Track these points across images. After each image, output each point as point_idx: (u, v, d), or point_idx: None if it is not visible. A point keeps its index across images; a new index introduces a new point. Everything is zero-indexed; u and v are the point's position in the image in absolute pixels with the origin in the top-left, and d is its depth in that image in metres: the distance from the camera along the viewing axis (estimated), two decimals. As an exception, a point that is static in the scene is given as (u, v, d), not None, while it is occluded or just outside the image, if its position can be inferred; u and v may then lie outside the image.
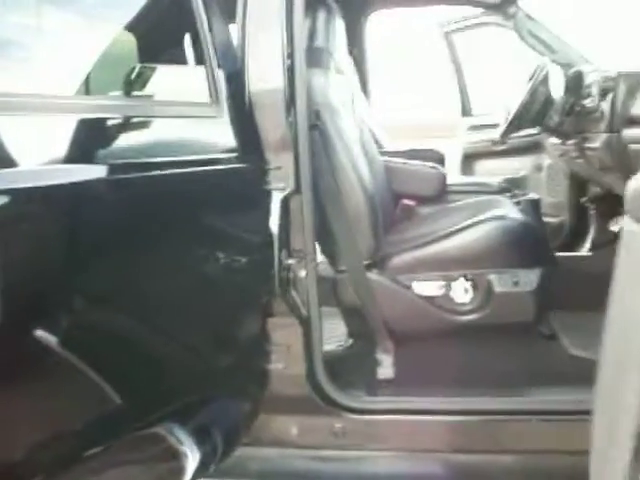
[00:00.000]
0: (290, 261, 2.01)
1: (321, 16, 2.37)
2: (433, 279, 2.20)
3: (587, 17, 3.98)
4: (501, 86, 4.46)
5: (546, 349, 2.22)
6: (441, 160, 3.25)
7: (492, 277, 2.18)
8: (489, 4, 3.46)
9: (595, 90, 2.72)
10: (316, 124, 2.09)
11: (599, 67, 2.86)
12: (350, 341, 2.36)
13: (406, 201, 2.74)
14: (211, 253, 1.83)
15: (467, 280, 2.18)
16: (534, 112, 3.05)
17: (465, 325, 2.19)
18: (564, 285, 2.34)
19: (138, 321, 1.62)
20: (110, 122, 1.69)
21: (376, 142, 3.10)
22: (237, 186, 1.95)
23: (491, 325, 2.18)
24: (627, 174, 2.50)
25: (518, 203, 2.71)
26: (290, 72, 1.99)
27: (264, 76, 1.98)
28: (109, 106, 1.73)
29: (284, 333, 2.03)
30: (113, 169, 1.55)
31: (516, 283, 2.16)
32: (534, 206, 2.67)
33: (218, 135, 1.98)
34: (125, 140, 1.73)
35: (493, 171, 4.11)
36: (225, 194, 1.89)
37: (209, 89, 1.92)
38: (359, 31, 3.70)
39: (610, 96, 2.54)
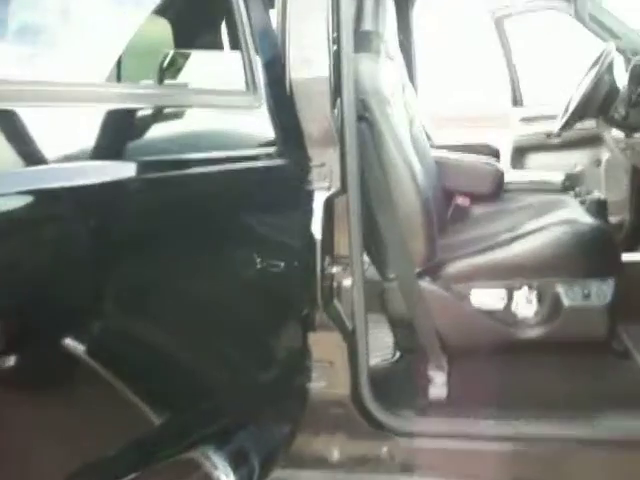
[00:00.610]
0: (334, 269, 1.78)
1: (370, -3, 2.12)
2: (493, 289, 1.94)
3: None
4: (555, 76, 4.18)
5: (619, 369, 1.95)
6: (496, 155, 2.98)
7: (560, 288, 1.91)
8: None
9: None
10: (364, 115, 1.85)
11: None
12: (397, 355, 2.11)
13: (460, 200, 2.48)
14: (248, 260, 1.63)
15: (531, 291, 1.92)
16: (598, 102, 2.76)
17: (528, 341, 1.93)
18: (633, 294, 2.07)
19: (172, 334, 1.46)
20: (140, 113, 1.51)
21: (426, 135, 2.85)
22: (276, 185, 1.73)
23: (558, 342, 1.91)
24: None
25: (583, 203, 2.43)
26: (336, 58, 1.76)
27: (307, 62, 1.74)
28: (137, 95, 1.54)
29: (327, 348, 1.81)
30: (145, 167, 1.38)
31: (587, 296, 1.89)
32: (600, 207, 2.40)
33: (256, 128, 1.76)
34: (156, 133, 1.55)
35: (547, 165, 3.83)
36: (263, 194, 1.68)
37: (245, 76, 1.70)
38: (405, 16, 3.43)
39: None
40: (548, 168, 3.82)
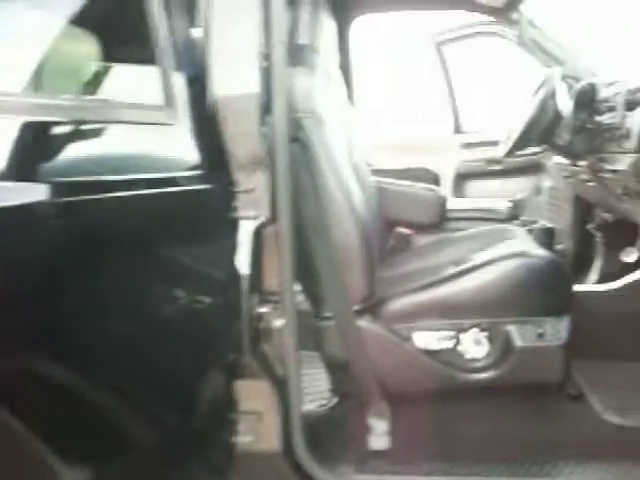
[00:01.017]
0: (263, 308, 1.57)
1: (306, 9, 1.93)
2: (439, 329, 1.75)
3: (591, 26, 3.60)
4: (496, 102, 4.08)
5: (574, 414, 1.78)
6: (435, 180, 2.81)
7: (512, 328, 1.73)
8: (490, 8, 3.04)
9: (620, 105, 2.31)
10: (297, 136, 1.65)
11: (620, 79, 2.45)
12: (334, 401, 1.89)
13: (401, 229, 2.30)
14: (166, 298, 1.41)
15: (481, 331, 1.73)
16: (542, 128, 2.64)
17: (477, 385, 1.74)
18: (584, 329, 1.91)
19: (77, 379, 1.24)
20: (50, 128, 1.31)
21: (365, 160, 2.68)
22: (198, 212, 1.51)
23: (509, 386, 1.73)
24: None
25: (530, 232, 2.28)
26: (267, 73, 1.56)
27: (232, 78, 1.54)
28: (44, 106, 1.33)
29: (255, 398, 1.58)
30: (56, 190, 1.18)
31: (541, 335, 1.72)
32: (548, 236, 2.25)
33: (175, 148, 1.54)
34: (68, 152, 1.34)
35: (488, 193, 3.70)
36: (183, 222, 1.46)
37: (163, 91, 1.48)
38: (343, 36, 3.27)
39: (638, 111, 2.13)
40: (490, 195, 3.70)
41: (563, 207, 3.38)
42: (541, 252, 1.81)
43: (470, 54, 3.81)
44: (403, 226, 2.29)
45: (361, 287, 1.73)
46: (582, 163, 2.72)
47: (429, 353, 1.74)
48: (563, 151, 2.75)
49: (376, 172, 2.61)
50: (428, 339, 1.74)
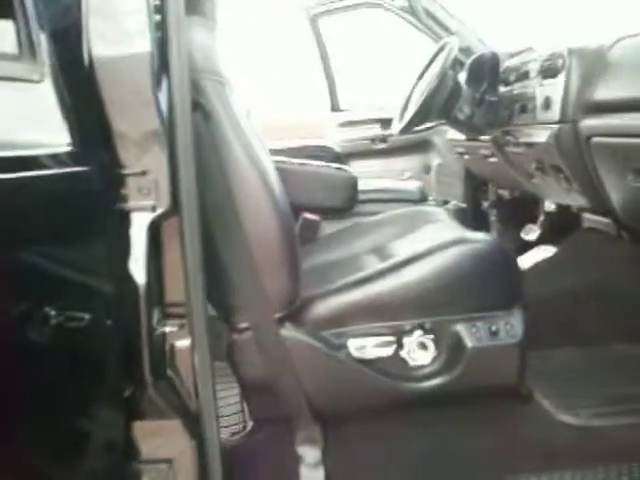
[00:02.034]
0: (166, 326, 1.19)
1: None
2: (376, 333, 1.42)
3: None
4: (378, 78, 3.82)
5: (528, 418, 1.52)
6: (339, 159, 2.48)
7: (461, 327, 1.43)
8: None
9: (535, 72, 2.08)
10: (198, 101, 1.26)
11: (530, 46, 2.23)
12: (251, 425, 1.52)
13: (308, 215, 1.95)
14: (32, 317, 0.99)
15: (425, 333, 1.43)
16: (441, 102, 2.38)
17: (424, 395, 1.42)
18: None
19: None
20: None
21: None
22: (71, 203, 1.09)
23: (461, 393, 1.43)
24: (584, 172, 1.91)
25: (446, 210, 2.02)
26: (160, 26, 1.17)
27: (115, 34, 1.14)
28: None
29: (162, 442, 1.19)
30: None
31: (495, 333, 1.44)
32: (464, 216, 2.00)
33: (36, 119, 1.11)
34: None
35: (373, 173, 3.43)
36: (51, 216, 1.04)
37: (17, 36, 1.05)
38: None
39: (560, 79, 1.90)
40: (374, 176, 3.44)
41: (453, 185, 3.18)
42: (481, 236, 1.52)
43: (351, 27, 3.52)
44: (309, 212, 1.94)
45: (284, 290, 1.36)
46: (485, 138, 2.50)
47: (367, 362, 1.41)
48: (464, 126, 2.51)
49: (273, 151, 2.25)
50: (364, 346, 1.41)
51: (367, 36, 3.67)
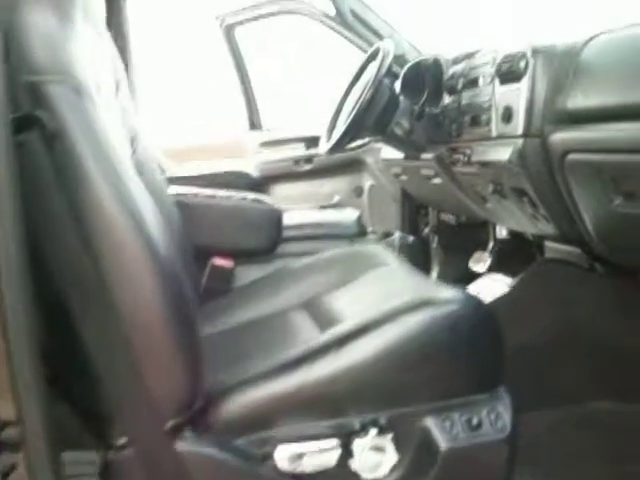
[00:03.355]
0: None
1: None
2: (314, 436, 0.99)
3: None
4: (303, 94, 3.41)
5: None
6: (257, 186, 2.03)
7: (430, 420, 1.01)
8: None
9: (489, 78, 1.70)
10: (37, 116, 0.81)
11: (477, 48, 1.86)
12: None
13: (219, 260, 1.49)
14: None
15: (381, 431, 1.00)
16: (375, 115, 1.99)
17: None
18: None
19: None
20: None
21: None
22: None
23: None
24: (555, 196, 1.53)
25: (390, 247, 1.62)
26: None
27: None
28: None
29: None
30: None
31: (477, 426, 1.03)
32: (416, 252, 1.61)
33: None
34: None
35: (297, 197, 3.02)
36: None
37: None
38: (117, 7, 2.40)
39: (524, 84, 1.53)
40: (299, 200, 3.02)
41: (388, 209, 2.79)
42: (453, 295, 1.10)
43: (271, 37, 3.10)
44: (221, 255, 1.49)
45: (178, 388, 0.91)
46: (426, 156, 2.12)
47: (302, 478, 0.98)
48: (403, 143, 2.13)
49: (173, 181, 1.78)
50: (298, 455, 0.97)
51: (292, 45, 3.26)
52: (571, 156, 1.43)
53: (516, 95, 1.56)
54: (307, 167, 2.99)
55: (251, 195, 1.53)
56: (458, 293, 1.08)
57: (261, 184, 1.97)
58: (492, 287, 2.30)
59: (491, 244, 2.27)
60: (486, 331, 1.06)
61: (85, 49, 0.98)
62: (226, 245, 1.50)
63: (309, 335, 1.13)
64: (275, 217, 1.54)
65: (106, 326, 0.86)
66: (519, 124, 1.54)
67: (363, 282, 1.32)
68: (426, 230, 2.59)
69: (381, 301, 1.11)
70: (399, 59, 2.47)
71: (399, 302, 1.05)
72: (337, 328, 1.06)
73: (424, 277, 1.28)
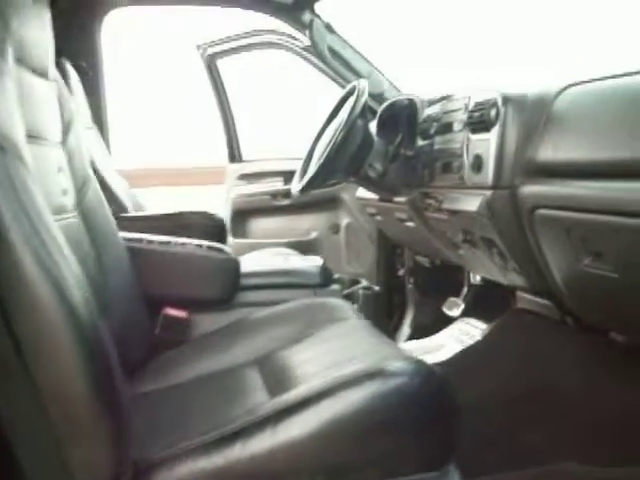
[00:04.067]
0: None
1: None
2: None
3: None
4: (282, 124, 3.36)
5: None
6: (221, 228, 1.95)
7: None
8: (276, 6, 2.29)
9: (459, 124, 1.65)
10: None
11: (453, 92, 1.80)
12: None
13: (171, 311, 1.41)
14: None
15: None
16: (348, 157, 1.93)
17: None
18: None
19: None
20: None
21: (115, 202, 1.78)
22: None
23: None
24: (524, 250, 1.48)
25: (354, 300, 1.54)
26: None
27: None
28: None
29: None
30: None
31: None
32: (379, 302, 1.54)
33: None
34: None
35: (274, 232, 2.96)
36: None
37: None
38: (91, 37, 2.35)
39: (493, 133, 1.48)
40: (276, 235, 2.96)
41: (365, 247, 2.73)
42: (405, 365, 1.02)
43: (251, 68, 3.06)
44: (175, 306, 1.41)
45: (100, 462, 0.84)
46: (400, 199, 2.06)
47: None
48: (376, 185, 2.07)
49: (129, 221, 1.71)
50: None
51: (273, 77, 3.21)
52: (540, 211, 1.37)
53: (486, 144, 1.51)
54: (285, 202, 2.93)
55: (206, 243, 1.46)
56: (408, 363, 1.00)
57: (223, 228, 1.89)
58: (463, 334, 2.24)
59: (465, 289, 2.21)
60: (437, 406, 0.99)
61: (12, 97, 0.91)
62: (180, 294, 1.42)
63: (255, 400, 1.06)
64: (232, 266, 1.46)
65: (23, 396, 0.79)
66: (489, 174, 1.49)
67: (319, 339, 1.25)
68: (402, 271, 2.53)
69: (331, 366, 1.04)
70: (378, 97, 2.43)
71: (346, 372, 0.98)
72: (281, 397, 0.99)
73: (380, 337, 1.21)
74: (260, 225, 3.07)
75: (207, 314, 1.43)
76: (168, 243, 1.41)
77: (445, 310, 2.28)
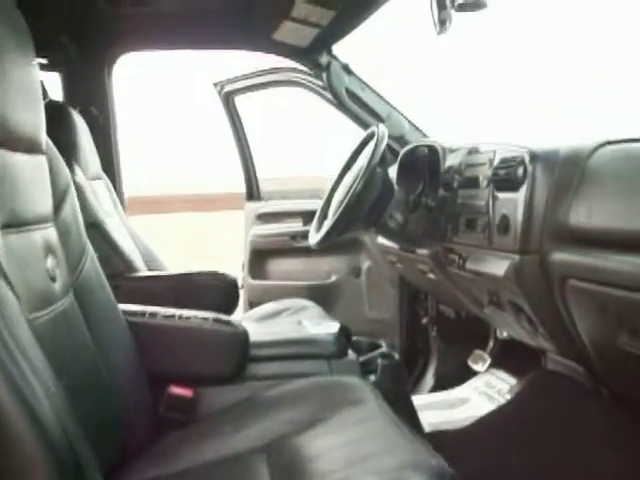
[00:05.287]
0: None
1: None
2: None
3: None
4: (301, 161, 3.29)
5: None
6: (234, 288, 1.84)
7: None
8: (292, 49, 2.22)
9: (484, 181, 1.55)
10: None
11: (480, 142, 1.70)
12: None
13: (175, 389, 1.31)
14: None
15: None
16: (367, 207, 1.83)
17: None
18: None
19: None
20: None
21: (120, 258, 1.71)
22: None
23: None
24: (555, 318, 1.37)
25: (371, 371, 1.44)
26: None
27: None
28: None
29: None
30: None
31: None
32: (397, 372, 1.43)
33: None
34: None
35: (293, 274, 2.86)
36: None
37: None
38: (102, 82, 2.30)
39: (521, 194, 1.37)
40: (295, 277, 2.86)
41: (386, 292, 2.62)
42: (435, 463, 0.91)
43: (270, 106, 2.99)
44: (180, 383, 1.32)
45: None
46: (422, 252, 1.95)
47: None
48: (396, 236, 1.97)
49: (135, 281, 1.61)
50: None
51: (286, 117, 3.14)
52: (572, 282, 1.26)
53: (513, 204, 1.41)
54: (304, 243, 2.83)
55: (212, 315, 1.36)
56: (427, 477, 0.89)
57: (234, 289, 1.78)
58: (489, 387, 2.12)
59: (491, 343, 2.09)
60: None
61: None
62: (185, 371, 1.33)
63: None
64: (239, 340, 1.36)
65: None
66: (516, 237, 1.39)
67: (334, 426, 1.15)
68: (425, 319, 2.42)
69: (343, 467, 0.94)
70: (399, 140, 2.34)
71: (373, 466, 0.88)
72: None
73: (399, 428, 1.10)
74: (279, 266, 2.98)
75: (214, 390, 1.34)
76: (172, 317, 1.32)
77: (470, 363, 2.17)
